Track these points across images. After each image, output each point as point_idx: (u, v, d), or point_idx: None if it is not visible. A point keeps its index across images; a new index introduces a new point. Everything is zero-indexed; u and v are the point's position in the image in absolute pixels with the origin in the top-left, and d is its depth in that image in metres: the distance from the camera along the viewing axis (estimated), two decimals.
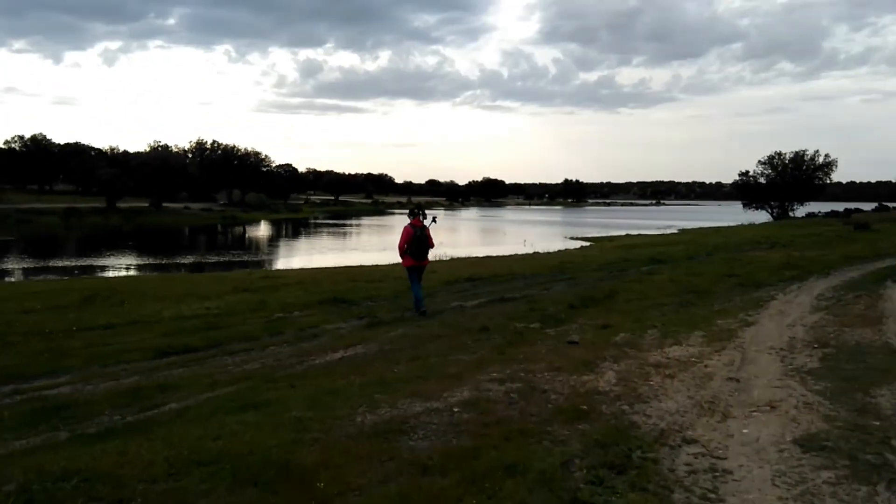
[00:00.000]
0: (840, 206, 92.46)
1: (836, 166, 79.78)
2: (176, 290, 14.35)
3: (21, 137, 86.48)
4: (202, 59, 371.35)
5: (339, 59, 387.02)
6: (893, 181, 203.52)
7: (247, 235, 57.99)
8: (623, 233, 57.85)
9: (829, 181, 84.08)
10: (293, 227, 70.23)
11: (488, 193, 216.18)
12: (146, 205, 65.61)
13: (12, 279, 22.97)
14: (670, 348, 9.03)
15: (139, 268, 28.50)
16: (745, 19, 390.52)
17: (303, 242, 51.50)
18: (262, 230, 63.04)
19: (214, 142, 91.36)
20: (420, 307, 12.00)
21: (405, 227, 12.41)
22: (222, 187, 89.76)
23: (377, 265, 24.94)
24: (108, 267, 28.98)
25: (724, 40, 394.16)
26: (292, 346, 8.98)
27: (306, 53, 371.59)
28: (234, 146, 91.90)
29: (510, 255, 29.80)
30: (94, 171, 64.90)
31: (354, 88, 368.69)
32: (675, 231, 61.46)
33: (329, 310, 12.19)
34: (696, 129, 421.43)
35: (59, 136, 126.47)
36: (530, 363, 7.85)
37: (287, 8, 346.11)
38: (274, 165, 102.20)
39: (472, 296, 14.87)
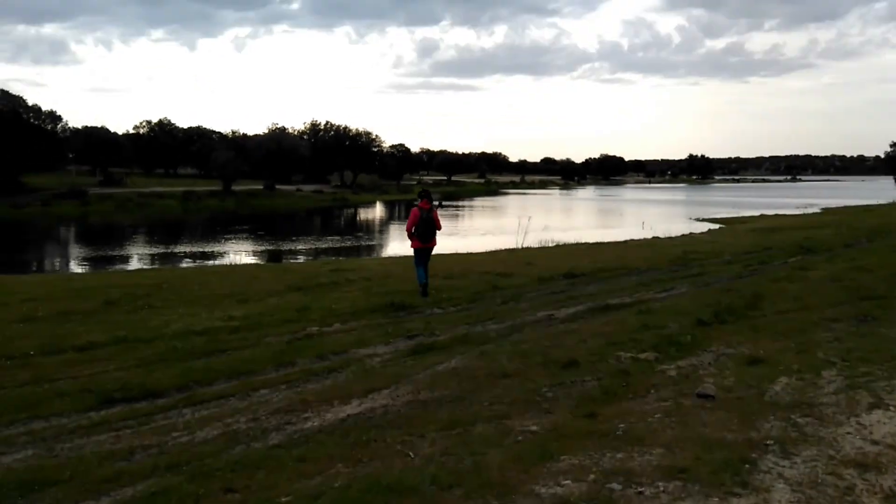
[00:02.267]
0: None
1: None
2: (221, 288, 12.17)
3: (149, 122, 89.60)
4: (324, 41, 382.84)
5: (455, 37, 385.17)
6: None
7: (357, 218, 56.95)
8: (757, 213, 51.43)
9: None
10: (405, 208, 68.64)
11: (606, 171, 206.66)
12: (261, 187, 66.12)
13: (77, 270, 22.12)
14: (869, 415, 5.49)
15: (221, 255, 27.30)
16: None
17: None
18: (371, 212, 61.92)
19: (328, 123, 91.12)
20: (424, 291, 11.73)
21: (413, 210, 12.25)
22: (335, 169, 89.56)
23: (469, 253, 22.03)
24: (191, 255, 28.10)
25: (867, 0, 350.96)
26: (292, 389, 6.25)
27: (423, 32, 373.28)
28: (346, 127, 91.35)
29: (624, 242, 25.85)
30: (212, 155, 65.98)
31: (470, 66, 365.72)
32: (818, 210, 54.25)
33: (378, 322, 9.42)
34: (835, 98, 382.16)
35: (191, 121, 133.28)
36: (633, 448, 4.67)
37: None
38: (387, 146, 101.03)
39: (567, 300, 11.57)
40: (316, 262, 20.19)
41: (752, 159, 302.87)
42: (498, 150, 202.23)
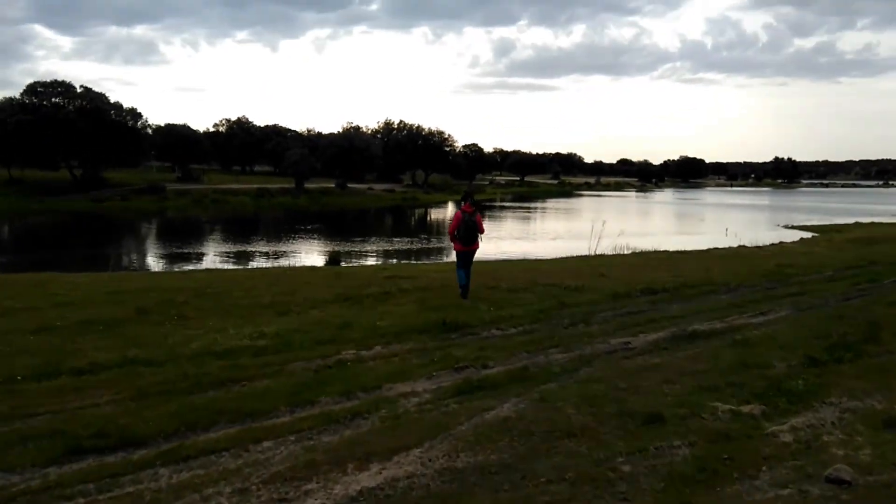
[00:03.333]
0: None
1: None
2: (265, 295, 11.14)
3: (228, 120, 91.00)
4: (401, 41, 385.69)
5: (532, 37, 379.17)
6: None
7: (426, 218, 55.95)
8: (851, 220, 47.11)
9: None
10: (476, 208, 67.09)
11: (685, 173, 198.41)
12: (332, 185, 65.92)
13: (138, 268, 21.76)
14: None
15: (283, 255, 26.68)
16: None
17: None
18: (441, 213, 60.73)
19: (401, 122, 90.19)
20: (464, 293, 11.67)
21: (456, 213, 12.28)
22: (407, 168, 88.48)
23: (538, 260, 20.43)
24: (253, 253, 27.62)
25: None
26: (302, 443, 4.99)
27: (500, 32, 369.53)
28: (419, 126, 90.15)
29: (707, 251, 23.53)
30: (286, 153, 66.11)
31: (547, 66, 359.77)
32: None
33: (425, 345, 8.09)
34: None
35: (270, 120, 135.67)
36: None
37: None
38: (459, 146, 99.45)
39: (646, 323, 9.90)
40: (373, 266, 19.08)
41: (842, 163, 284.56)
42: (573, 151, 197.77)
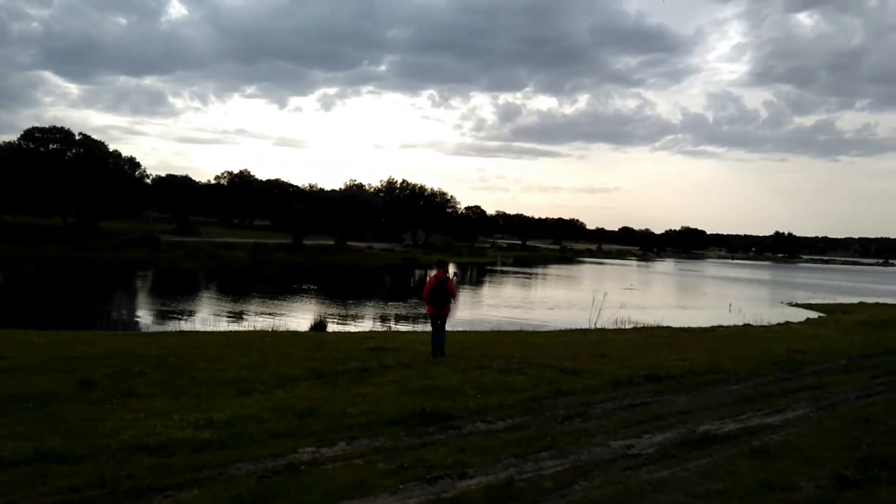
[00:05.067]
0: None
1: None
2: (231, 367, 10.10)
3: (230, 173, 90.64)
4: (408, 103, 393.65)
5: (537, 103, 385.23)
6: None
7: (425, 279, 54.99)
8: (856, 300, 46.18)
9: None
10: (476, 271, 66.28)
11: (686, 244, 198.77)
12: (331, 242, 65.15)
13: (98, 328, 20.20)
14: None
15: (266, 315, 25.58)
16: None
17: (476, 292, 46.81)
18: (451, 272, 59.96)
19: (404, 181, 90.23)
20: (438, 352, 12.56)
21: (430, 278, 13.17)
22: (408, 227, 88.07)
23: (534, 332, 19.36)
24: (237, 313, 26.52)
25: None
26: None
27: (506, 97, 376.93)
28: (422, 186, 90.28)
29: (713, 329, 22.47)
30: (287, 208, 65.52)
31: (551, 132, 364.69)
32: None
33: (398, 442, 7.01)
34: None
35: (275, 174, 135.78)
36: None
37: (490, 53, 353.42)
38: (462, 207, 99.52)
39: (651, 420, 8.80)
40: (358, 334, 17.97)
41: (841, 240, 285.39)
42: (575, 217, 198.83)
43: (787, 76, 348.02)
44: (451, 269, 65.25)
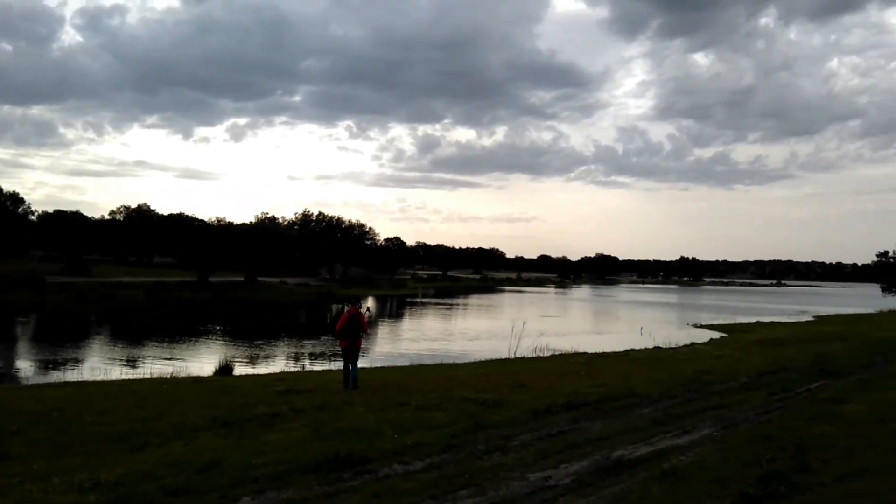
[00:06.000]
0: None
1: None
2: (123, 419, 9.42)
3: (126, 208, 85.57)
4: (324, 134, 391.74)
5: (456, 134, 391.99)
6: None
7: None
8: (753, 319, 49.10)
9: None
10: (397, 304, 65.75)
11: (601, 270, 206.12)
12: (241, 279, 62.66)
13: None
14: None
15: (162, 360, 24.08)
16: (863, 97, 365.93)
17: (396, 325, 46.32)
18: (363, 308, 59.09)
19: (320, 213, 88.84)
20: (350, 384, 13.23)
21: (343, 314, 13.80)
22: (325, 261, 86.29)
23: (454, 365, 19.26)
24: (133, 359, 24.59)
25: (842, 118, 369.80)
26: None
27: (425, 129, 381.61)
28: (339, 218, 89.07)
29: (626, 353, 23.16)
30: (190, 243, 62.46)
31: (470, 163, 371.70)
32: (812, 319, 52.13)
33: (308, 492, 6.68)
34: (815, 208, 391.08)
35: (177, 208, 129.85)
36: None
37: (408, 85, 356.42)
38: (381, 239, 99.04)
39: (567, 449, 8.85)
40: (268, 376, 17.23)
41: (739, 263, 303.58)
42: (495, 246, 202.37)
43: (687, 111, 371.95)
44: (372, 303, 64.46)
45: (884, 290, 70.54)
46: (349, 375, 13.43)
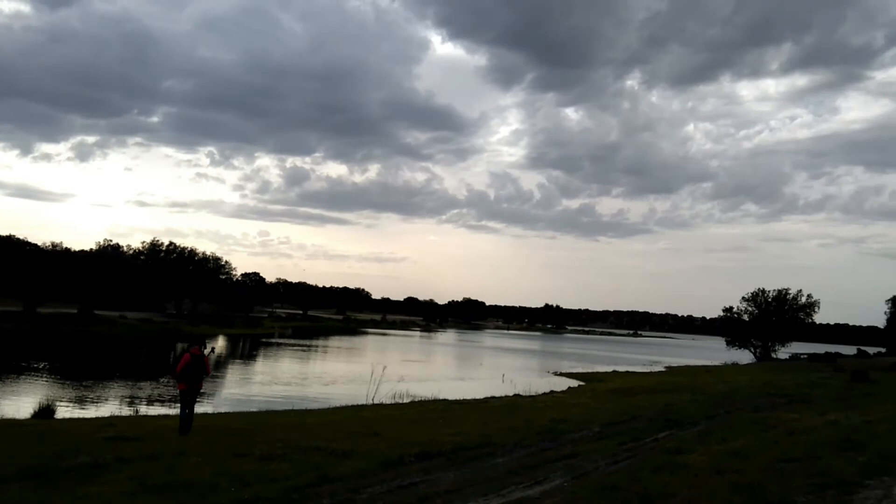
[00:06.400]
0: (810, 348, 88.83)
1: (819, 307, 76.21)
2: None
3: None
4: (183, 159, 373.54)
5: (327, 169, 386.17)
6: (851, 324, 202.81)
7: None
8: (610, 368, 52.18)
9: (812, 321, 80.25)
10: (250, 344, 63.05)
11: (468, 314, 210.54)
12: (75, 311, 57.47)
13: None
14: None
15: None
16: (714, 161, 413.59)
17: (247, 367, 44.22)
18: (206, 349, 55.89)
19: (171, 243, 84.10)
20: (187, 429, 12.93)
21: (184, 355, 13.44)
22: (174, 295, 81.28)
23: (306, 411, 18.65)
24: None
25: (696, 179, 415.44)
26: None
27: (294, 161, 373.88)
28: (192, 250, 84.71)
29: (486, 400, 23.62)
30: (16, 269, 56.59)
31: (340, 199, 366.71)
32: (664, 369, 56.29)
33: None
34: (669, 262, 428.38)
35: (10, 230, 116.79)
36: None
37: (279, 115, 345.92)
38: (238, 274, 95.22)
39: (417, 503, 8.75)
40: (95, 420, 15.78)
41: (600, 312, 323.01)
42: (361, 286, 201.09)
43: (557, 162, 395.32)
44: (223, 343, 61.24)
45: (728, 343, 78.11)
46: (189, 418, 13.25)
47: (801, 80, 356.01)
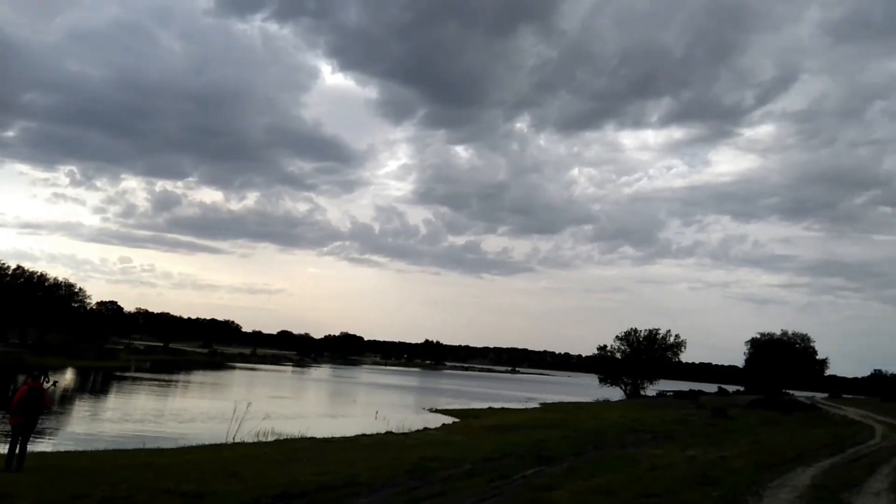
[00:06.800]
0: (677, 386, 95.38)
1: (686, 346, 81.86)
2: None
3: None
4: (39, 177, 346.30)
5: (201, 195, 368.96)
6: (714, 364, 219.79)
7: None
8: (486, 405, 53.13)
9: (679, 360, 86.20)
10: (102, 377, 58.68)
11: (345, 349, 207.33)
12: None
13: None
14: None
15: None
16: (596, 205, 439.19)
17: (97, 403, 41.15)
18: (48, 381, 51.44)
19: (18, 267, 77.38)
20: (14, 464, 12.41)
21: (21, 387, 13.12)
22: (17, 323, 74.50)
23: (158, 450, 17.58)
24: None
25: (579, 221, 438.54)
26: None
27: (164, 184, 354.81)
28: (42, 274, 78.29)
29: (356, 438, 23.32)
30: None
31: (214, 227, 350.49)
32: (539, 406, 58.09)
33: None
34: (550, 301, 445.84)
35: None
36: None
37: (150, 135, 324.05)
38: (94, 302, 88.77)
39: None
40: None
41: (480, 349, 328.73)
42: (231, 318, 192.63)
43: (444, 199, 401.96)
44: (71, 375, 56.51)
45: (601, 380, 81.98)
46: (19, 455, 12.65)
47: (677, 132, 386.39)
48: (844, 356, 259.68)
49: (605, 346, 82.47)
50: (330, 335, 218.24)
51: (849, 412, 58.39)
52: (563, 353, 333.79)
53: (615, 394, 77.08)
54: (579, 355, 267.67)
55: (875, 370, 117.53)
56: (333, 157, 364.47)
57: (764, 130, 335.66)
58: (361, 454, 18.06)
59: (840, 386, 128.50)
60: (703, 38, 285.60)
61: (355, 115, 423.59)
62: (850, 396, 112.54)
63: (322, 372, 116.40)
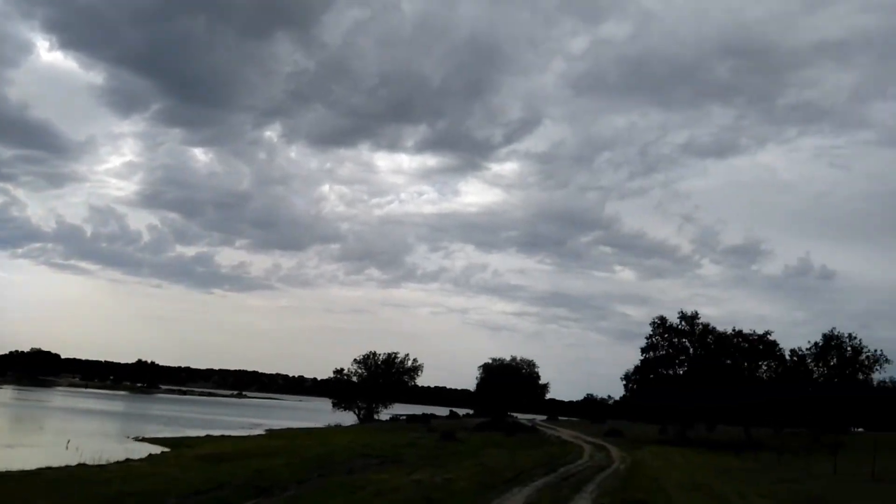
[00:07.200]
0: (411, 409, 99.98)
1: (423, 370, 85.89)
2: None
3: None
4: None
5: None
6: (448, 387, 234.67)
7: None
8: (204, 433, 49.99)
9: (415, 384, 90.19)
10: None
11: (35, 368, 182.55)
12: None
13: None
14: None
15: None
16: (345, 224, 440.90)
17: None
18: None
19: None
20: None
21: None
22: None
23: None
24: None
25: (326, 239, 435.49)
26: None
27: None
28: None
29: (38, 472, 20.19)
30: None
31: None
32: (264, 432, 56.33)
33: None
34: (288, 320, 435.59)
35: None
36: None
37: None
38: None
39: None
40: None
41: (202, 371, 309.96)
42: None
43: (175, 204, 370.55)
44: None
45: (335, 405, 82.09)
46: None
47: (431, 160, 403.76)
48: (563, 381, 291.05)
49: (342, 370, 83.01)
50: (16, 351, 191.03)
51: (563, 433, 65.86)
52: (297, 375, 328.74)
53: (349, 418, 77.78)
54: (314, 378, 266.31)
55: (588, 394, 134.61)
56: (41, 146, 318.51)
57: (509, 167, 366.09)
58: (38, 495, 15.52)
59: (558, 409, 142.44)
60: (461, 73, 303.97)
61: (75, 102, 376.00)
62: (566, 419, 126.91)
63: (1, 394, 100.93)
